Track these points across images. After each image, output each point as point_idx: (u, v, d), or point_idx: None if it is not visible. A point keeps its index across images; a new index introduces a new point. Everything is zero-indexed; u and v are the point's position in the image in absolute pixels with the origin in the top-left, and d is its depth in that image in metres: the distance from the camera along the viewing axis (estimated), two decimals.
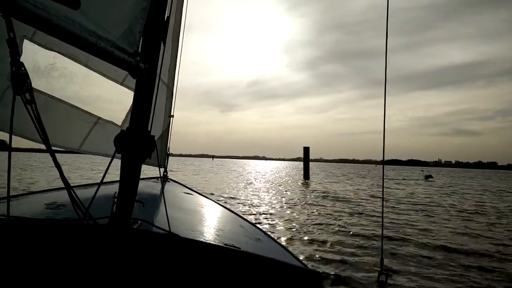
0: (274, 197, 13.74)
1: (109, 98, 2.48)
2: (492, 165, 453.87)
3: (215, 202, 3.15)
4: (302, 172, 31.29)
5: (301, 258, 4.02)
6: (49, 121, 1.95)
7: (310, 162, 32.38)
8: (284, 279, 1.30)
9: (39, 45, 1.95)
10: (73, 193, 1.20)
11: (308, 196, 14.77)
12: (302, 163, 34.88)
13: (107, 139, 2.02)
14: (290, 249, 3.23)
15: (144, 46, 1.21)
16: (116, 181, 1.72)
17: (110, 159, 1.35)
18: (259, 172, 42.10)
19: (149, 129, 1.24)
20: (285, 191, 16.91)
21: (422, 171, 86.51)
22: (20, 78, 0.90)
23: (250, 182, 22.05)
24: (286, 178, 29.78)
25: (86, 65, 2.16)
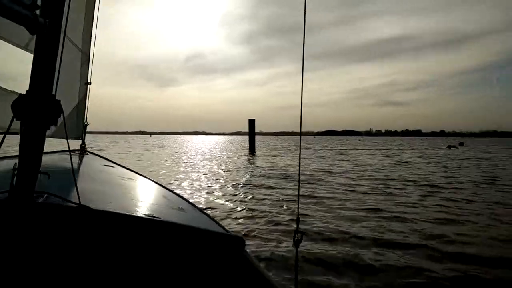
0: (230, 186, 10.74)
1: (13, 66, 2.16)
2: (417, 133, 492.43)
3: (138, 173, 2.86)
4: (244, 145, 29.10)
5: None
6: None
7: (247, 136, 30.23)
8: (207, 246, 1.23)
9: None
10: None
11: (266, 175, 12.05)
12: (243, 137, 32.19)
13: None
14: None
15: None
16: (16, 156, 1.31)
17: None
18: (198, 148, 38.00)
19: (53, 93, 1.10)
20: (237, 171, 13.98)
21: (359, 140, 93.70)
22: None
23: (192, 163, 18.60)
24: (229, 153, 27.00)
25: None
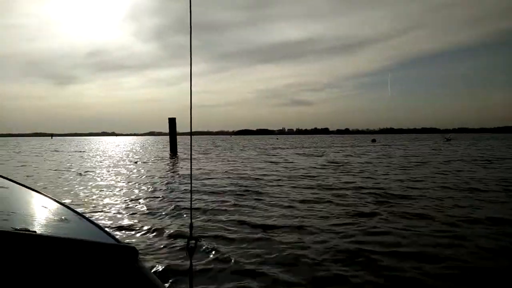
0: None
1: None
2: (325, 131, 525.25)
3: (12, 180, 2.41)
4: (161, 146, 26.22)
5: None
6: None
7: (161, 136, 27.49)
8: (94, 259, 1.13)
9: None
10: None
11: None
12: (156, 137, 29.45)
13: None
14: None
15: None
16: None
17: None
18: (105, 152, 33.45)
19: None
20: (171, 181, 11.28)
21: (277, 139, 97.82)
22: None
23: (93, 176, 15.29)
24: (147, 155, 23.51)
25: None
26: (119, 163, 17.91)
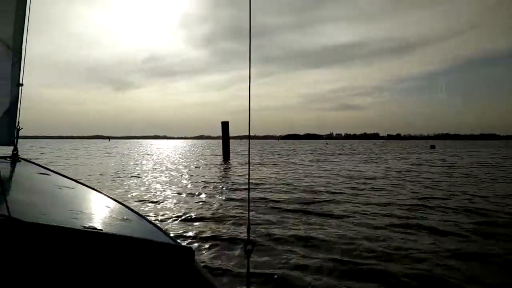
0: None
1: None
2: (375, 136, 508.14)
3: (78, 181, 2.60)
4: (211, 150, 25.95)
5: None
6: None
7: (215, 140, 27.09)
8: (154, 258, 1.16)
9: None
10: None
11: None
12: (206, 141, 29.31)
13: None
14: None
15: None
16: None
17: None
18: (161, 155, 33.92)
19: None
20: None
21: (327, 144, 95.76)
22: None
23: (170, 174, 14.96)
24: (200, 160, 22.92)
25: None
26: (175, 167, 17.59)
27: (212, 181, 11.79)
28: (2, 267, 1.01)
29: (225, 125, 24.38)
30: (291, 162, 21.59)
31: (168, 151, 43.18)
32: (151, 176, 13.45)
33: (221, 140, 26.54)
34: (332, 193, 9.27)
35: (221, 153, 25.82)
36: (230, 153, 25.79)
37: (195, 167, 17.73)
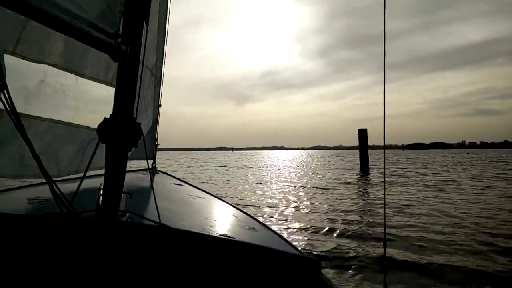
0: None
1: (103, 102, 1.95)
2: None
3: (207, 192, 2.83)
4: (331, 162, 23.52)
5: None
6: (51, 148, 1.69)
7: (331, 150, 25.27)
8: (282, 268, 1.23)
9: (24, 59, 1.54)
10: (55, 187, 1.07)
11: None
12: (323, 151, 28.19)
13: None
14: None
15: (125, 27, 1.09)
16: (100, 175, 1.52)
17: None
18: (290, 166, 29.06)
19: (134, 116, 1.11)
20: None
21: (468, 153, 79.06)
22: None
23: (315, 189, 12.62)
24: (334, 175, 18.26)
25: (75, 73, 1.75)
26: (309, 180, 14.71)
27: (349, 197, 9.66)
28: (153, 268, 1.16)
29: (363, 133, 20.68)
30: (433, 176, 15.95)
31: (293, 162, 38.76)
32: (285, 191, 11.86)
33: (337, 150, 24.28)
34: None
35: (349, 165, 23.45)
36: (357, 164, 22.53)
37: (324, 189, 13.69)
